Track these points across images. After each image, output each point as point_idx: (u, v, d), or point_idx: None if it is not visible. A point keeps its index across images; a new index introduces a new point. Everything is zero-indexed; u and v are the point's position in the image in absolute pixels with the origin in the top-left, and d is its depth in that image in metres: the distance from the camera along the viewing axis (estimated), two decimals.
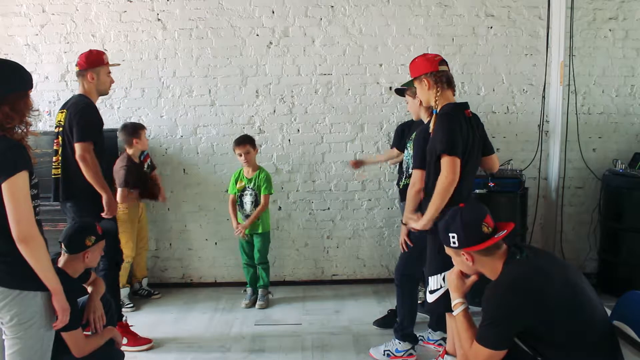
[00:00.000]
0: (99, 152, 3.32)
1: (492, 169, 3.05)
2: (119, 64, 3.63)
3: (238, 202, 4.21)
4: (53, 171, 3.43)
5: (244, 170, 4.22)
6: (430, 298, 2.80)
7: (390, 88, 4.46)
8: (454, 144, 2.59)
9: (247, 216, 4.17)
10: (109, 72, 3.45)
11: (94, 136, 3.29)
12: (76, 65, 3.40)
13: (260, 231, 4.20)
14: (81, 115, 3.26)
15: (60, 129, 3.36)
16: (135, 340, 3.50)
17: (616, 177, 4.28)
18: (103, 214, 3.32)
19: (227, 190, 4.59)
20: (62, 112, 3.38)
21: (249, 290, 4.32)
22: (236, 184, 4.22)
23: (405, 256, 3.33)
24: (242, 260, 4.33)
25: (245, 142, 4.11)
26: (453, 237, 2.13)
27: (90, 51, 3.42)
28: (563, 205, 4.66)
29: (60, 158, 3.37)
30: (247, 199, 4.17)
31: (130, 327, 3.55)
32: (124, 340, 3.39)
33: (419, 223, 2.71)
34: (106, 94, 3.54)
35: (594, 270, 4.58)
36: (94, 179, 3.24)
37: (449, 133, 2.60)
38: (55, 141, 3.42)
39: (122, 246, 4.02)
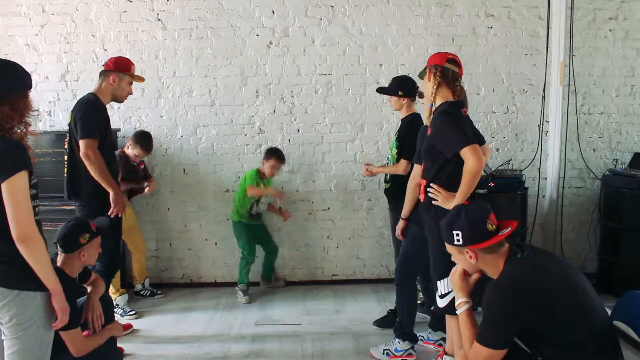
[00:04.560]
0: (106, 151, 3.31)
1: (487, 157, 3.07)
2: (143, 80, 3.64)
3: (254, 199, 4.37)
4: (64, 170, 3.45)
5: (262, 175, 4.33)
6: (441, 302, 2.74)
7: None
8: (465, 135, 2.55)
9: (257, 214, 4.42)
10: (131, 83, 3.50)
11: (97, 133, 3.27)
12: (103, 64, 3.45)
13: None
14: (84, 112, 3.28)
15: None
16: None
17: (616, 177, 4.28)
18: (109, 212, 3.30)
19: (227, 190, 4.61)
20: (72, 111, 3.38)
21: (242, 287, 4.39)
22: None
23: (405, 255, 3.33)
24: (248, 259, 4.37)
25: (284, 161, 4.39)
26: (457, 235, 2.12)
27: (122, 57, 3.50)
28: (563, 205, 4.66)
29: (67, 156, 3.39)
30: (262, 199, 4.46)
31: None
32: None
33: (450, 203, 2.56)
34: (121, 101, 3.59)
35: (594, 270, 4.58)
36: (99, 176, 3.23)
37: (457, 128, 2.58)
38: (65, 140, 3.46)
39: None
